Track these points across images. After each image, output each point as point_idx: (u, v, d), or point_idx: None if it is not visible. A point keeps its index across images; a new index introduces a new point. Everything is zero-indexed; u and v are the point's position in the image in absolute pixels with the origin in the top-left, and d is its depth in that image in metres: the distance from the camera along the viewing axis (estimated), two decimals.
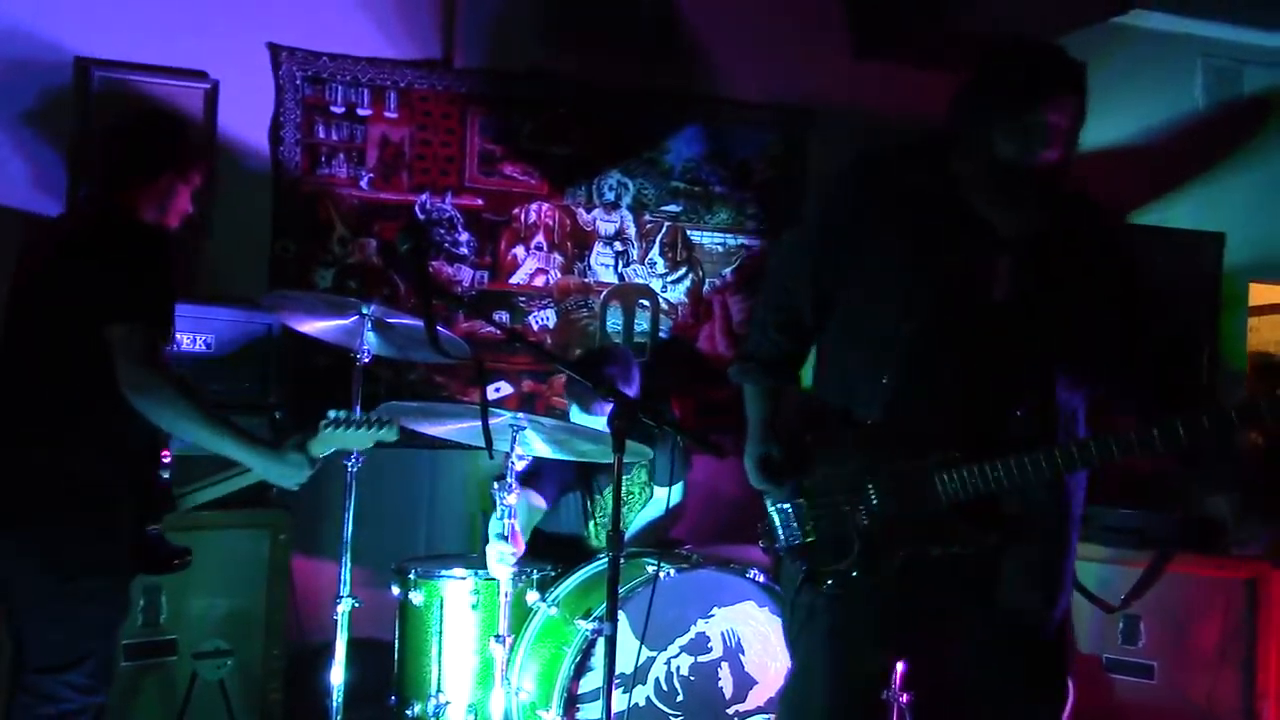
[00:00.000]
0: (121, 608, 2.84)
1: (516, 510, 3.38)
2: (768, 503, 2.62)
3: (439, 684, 3.50)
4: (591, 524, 4.05)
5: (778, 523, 2.58)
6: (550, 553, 3.85)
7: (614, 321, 4.75)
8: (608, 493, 3.97)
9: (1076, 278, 2.37)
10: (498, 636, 3.31)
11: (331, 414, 2.86)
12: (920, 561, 2.41)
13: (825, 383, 2.62)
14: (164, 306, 2.77)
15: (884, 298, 2.42)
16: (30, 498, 2.71)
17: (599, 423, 3.69)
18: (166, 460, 2.92)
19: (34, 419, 2.74)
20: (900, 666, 3.15)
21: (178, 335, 3.62)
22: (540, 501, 3.86)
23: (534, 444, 3.43)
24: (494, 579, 3.39)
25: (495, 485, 3.37)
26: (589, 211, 4.73)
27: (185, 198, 3.01)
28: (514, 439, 3.30)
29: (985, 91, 2.32)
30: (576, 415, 3.89)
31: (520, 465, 3.39)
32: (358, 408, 3.10)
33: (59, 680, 2.70)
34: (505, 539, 3.33)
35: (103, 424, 2.73)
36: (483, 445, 2.76)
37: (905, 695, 3.18)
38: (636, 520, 4.08)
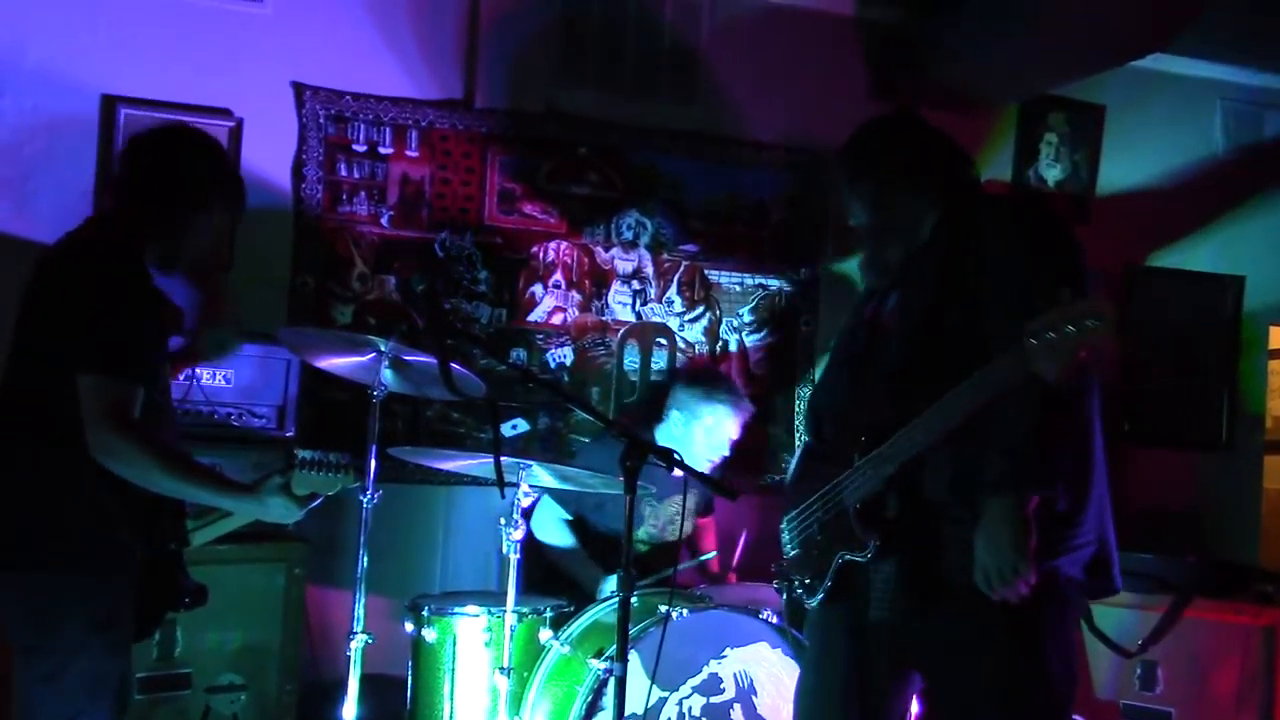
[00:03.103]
0: (117, 660, 2.52)
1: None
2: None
3: None
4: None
5: (782, 541, 2.82)
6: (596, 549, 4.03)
7: (631, 360, 4.77)
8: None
9: (953, 293, 2.46)
10: (503, 669, 3.36)
11: (299, 454, 2.62)
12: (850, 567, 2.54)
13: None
14: (133, 355, 2.47)
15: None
16: (20, 536, 2.46)
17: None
18: None
19: (31, 447, 2.50)
20: (916, 708, 3.12)
21: (198, 370, 3.67)
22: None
23: (542, 478, 3.50)
24: (503, 617, 3.40)
25: (502, 522, 3.40)
26: (607, 250, 4.76)
27: (204, 231, 2.70)
28: (520, 477, 3.38)
29: None
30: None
31: (526, 502, 3.45)
32: (325, 451, 2.73)
33: None
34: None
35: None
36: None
37: None
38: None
